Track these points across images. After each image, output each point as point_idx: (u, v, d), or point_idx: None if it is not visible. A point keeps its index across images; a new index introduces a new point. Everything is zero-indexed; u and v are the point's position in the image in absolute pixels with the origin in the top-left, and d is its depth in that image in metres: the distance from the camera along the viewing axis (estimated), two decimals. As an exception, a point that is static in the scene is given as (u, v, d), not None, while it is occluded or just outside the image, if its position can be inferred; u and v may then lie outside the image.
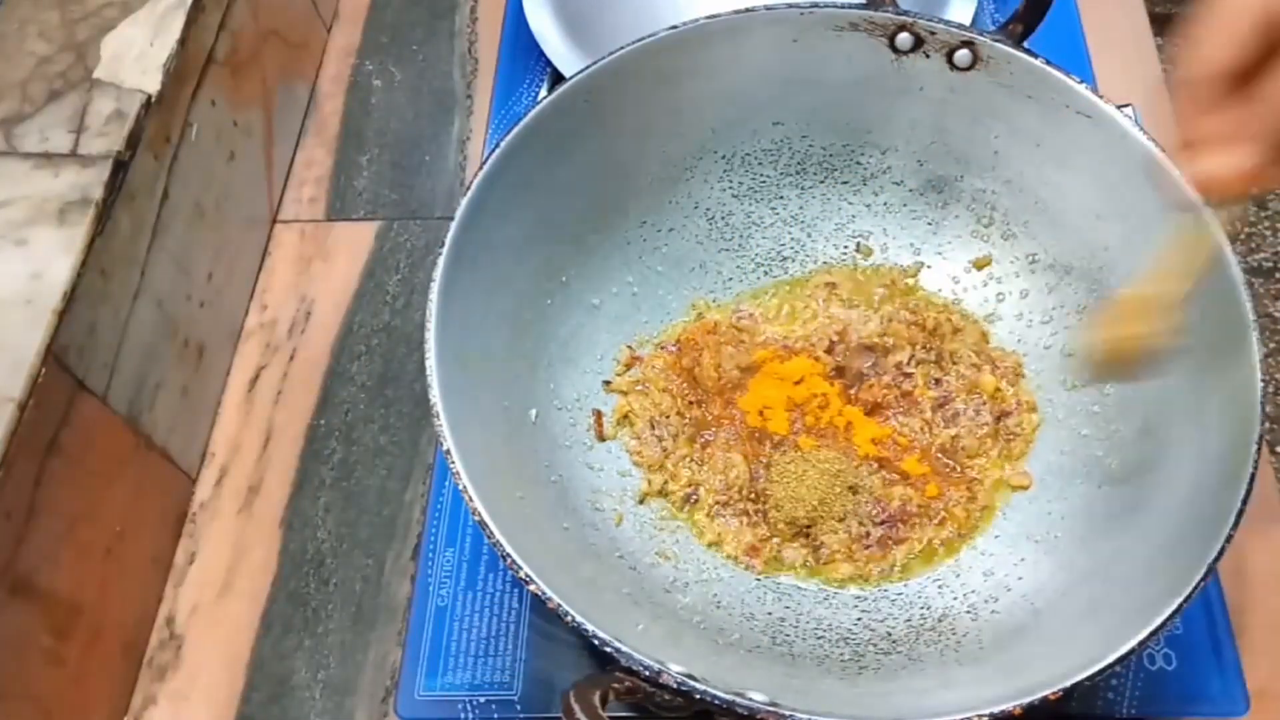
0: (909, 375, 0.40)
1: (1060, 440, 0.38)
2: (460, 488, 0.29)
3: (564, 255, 0.39)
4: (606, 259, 0.41)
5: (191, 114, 0.42)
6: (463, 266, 0.34)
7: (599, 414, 0.40)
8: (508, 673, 0.37)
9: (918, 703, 0.30)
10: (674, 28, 0.37)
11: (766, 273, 0.43)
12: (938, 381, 0.40)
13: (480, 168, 0.35)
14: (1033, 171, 0.39)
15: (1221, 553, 0.28)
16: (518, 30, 0.52)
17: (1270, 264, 1.09)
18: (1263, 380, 0.31)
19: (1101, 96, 0.36)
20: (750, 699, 0.26)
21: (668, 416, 0.40)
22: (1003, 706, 0.26)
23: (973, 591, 0.35)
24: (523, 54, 0.52)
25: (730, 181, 0.42)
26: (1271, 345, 1.04)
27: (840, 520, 0.37)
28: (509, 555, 0.28)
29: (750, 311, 0.42)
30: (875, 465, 0.38)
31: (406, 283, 0.48)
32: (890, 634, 0.34)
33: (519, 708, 0.36)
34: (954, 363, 0.40)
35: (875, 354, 0.41)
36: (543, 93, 0.51)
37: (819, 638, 0.34)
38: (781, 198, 0.43)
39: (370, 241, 0.49)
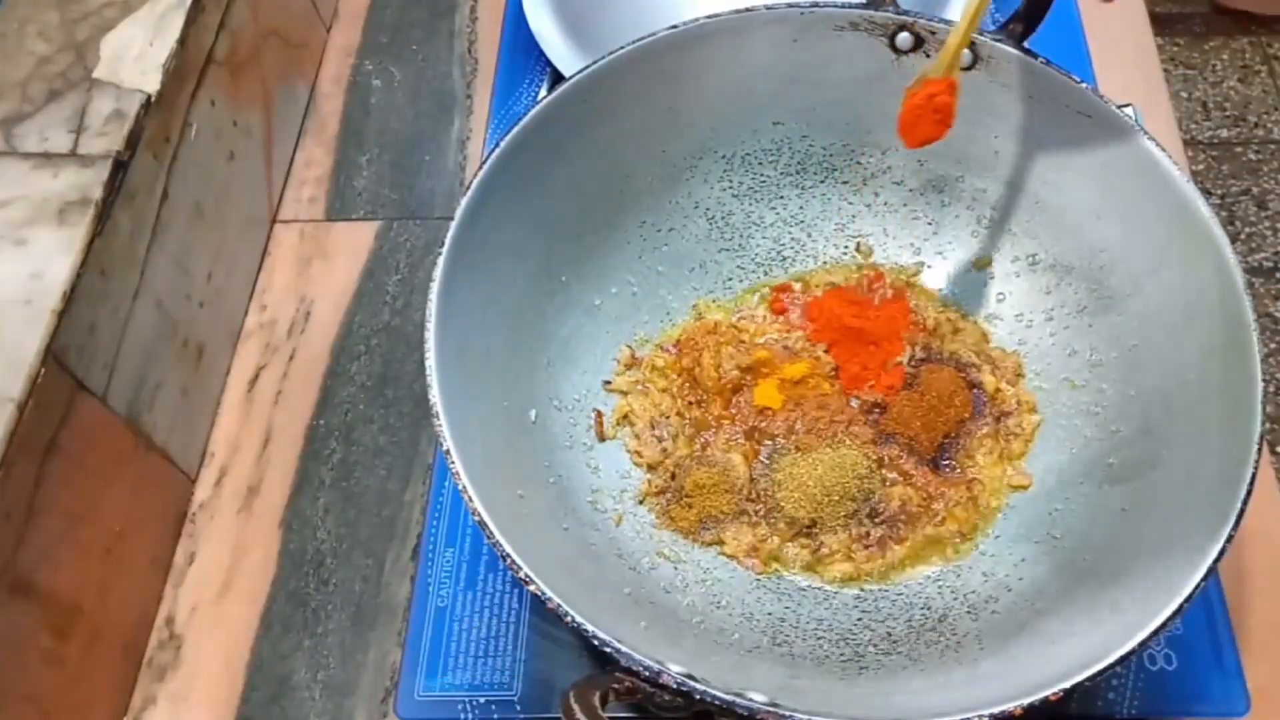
0: (909, 375, 0.40)
1: (1060, 440, 0.38)
2: (460, 488, 0.29)
3: (564, 255, 0.39)
4: (606, 259, 0.41)
5: (191, 114, 0.42)
6: (462, 266, 0.34)
7: (599, 414, 0.40)
8: (507, 673, 0.37)
9: (918, 703, 0.30)
10: (674, 27, 0.37)
11: (767, 273, 0.43)
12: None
13: (480, 168, 0.35)
14: (1033, 171, 0.39)
15: (1222, 553, 0.28)
16: (517, 30, 0.52)
17: (1270, 264, 1.09)
18: (1263, 380, 0.31)
19: (1102, 96, 0.36)
20: (750, 699, 0.26)
21: (668, 417, 0.40)
22: (1003, 707, 0.26)
23: (973, 591, 0.35)
24: (522, 54, 0.52)
25: (730, 181, 0.42)
26: (1272, 345, 1.04)
27: (841, 520, 0.37)
28: (509, 555, 0.28)
29: (750, 311, 0.42)
30: (875, 465, 0.38)
31: (406, 283, 0.48)
32: (890, 634, 0.34)
33: (518, 708, 0.36)
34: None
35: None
36: (542, 92, 0.51)
37: (819, 638, 0.34)
38: (782, 198, 0.43)
39: (370, 241, 0.49)
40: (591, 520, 0.36)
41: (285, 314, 0.47)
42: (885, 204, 0.43)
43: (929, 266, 0.43)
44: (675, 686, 0.26)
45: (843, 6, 0.37)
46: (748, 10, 0.37)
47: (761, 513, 0.38)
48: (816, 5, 0.37)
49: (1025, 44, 0.37)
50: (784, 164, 0.42)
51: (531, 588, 0.28)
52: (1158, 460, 0.34)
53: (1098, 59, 0.51)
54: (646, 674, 0.26)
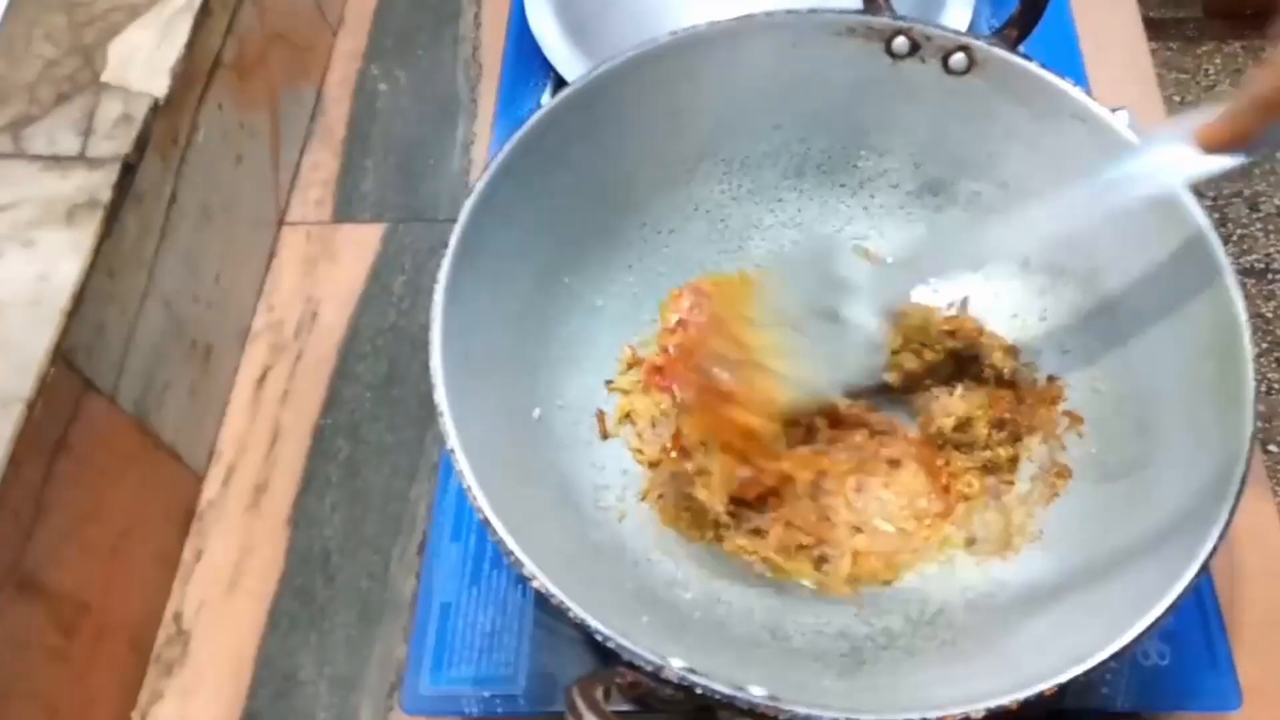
0: None
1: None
2: (464, 486, 0.30)
3: (566, 256, 0.39)
4: (608, 260, 0.41)
5: (199, 117, 0.42)
6: (466, 268, 0.34)
7: (602, 413, 0.40)
8: (511, 667, 0.37)
9: (915, 697, 0.31)
10: (674, 33, 0.38)
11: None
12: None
13: (484, 171, 0.35)
14: (1027, 174, 0.39)
15: (1215, 549, 0.28)
16: (521, 35, 0.53)
17: (1262, 265, 1.10)
18: (1255, 379, 0.31)
19: (1095, 100, 0.36)
20: (750, 693, 0.26)
21: (669, 416, 0.40)
22: (999, 701, 0.26)
23: (969, 587, 0.35)
24: (526, 59, 0.52)
25: (729, 184, 0.43)
26: (1263, 345, 1.04)
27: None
28: (513, 552, 0.28)
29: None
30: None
31: (411, 284, 0.48)
32: (888, 629, 0.35)
33: (522, 702, 0.37)
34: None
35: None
36: (546, 97, 0.51)
37: (818, 633, 0.35)
38: (780, 200, 0.43)
39: (376, 243, 0.49)
40: (594, 517, 0.37)
41: (292, 315, 0.47)
42: (882, 206, 0.43)
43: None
44: (677, 681, 0.26)
45: (840, 12, 0.38)
46: (747, 16, 0.38)
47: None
48: (814, 11, 0.38)
49: (1019, 48, 0.37)
50: (782, 167, 0.43)
51: (535, 584, 0.28)
52: (1151, 458, 0.34)
53: (1091, 63, 0.52)
54: (649, 668, 0.26)
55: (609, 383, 0.41)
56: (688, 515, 0.38)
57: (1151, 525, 0.32)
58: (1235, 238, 1.11)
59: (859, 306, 0.35)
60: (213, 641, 0.40)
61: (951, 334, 0.40)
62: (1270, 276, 1.08)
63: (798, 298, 0.36)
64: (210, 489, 0.43)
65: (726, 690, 0.26)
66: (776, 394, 0.35)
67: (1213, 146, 0.30)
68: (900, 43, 0.38)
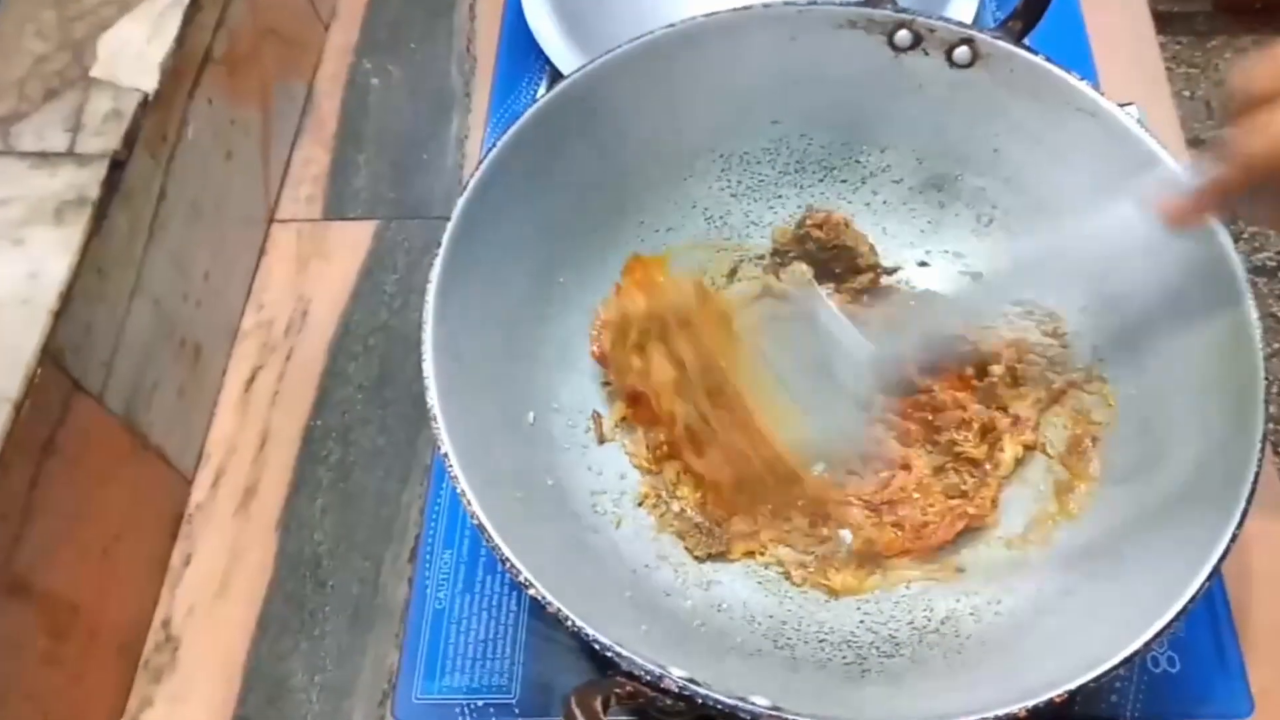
0: None
1: (1062, 440, 0.38)
2: (458, 490, 0.29)
3: (562, 255, 0.39)
4: (604, 259, 0.41)
5: (189, 113, 0.42)
6: (460, 267, 0.33)
7: (598, 416, 0.39)
8: (506, 676, 0.37)
9: (921, 705, 0.30)
10: (672, 26, 0.37)
11: (766, 271, 0.43)
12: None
13: (478, 167, 0.34)
14: (1033, 170, 0.39)
15: (1226, 554, 0.28)
16: (516, 28, 0.52)
17: (1274, 264, 1.09)
18: (1266, 380, 0.31)
19: (1103, 94, 0.35)
20: (753, 703, 0.26)
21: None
22: (1007, 709, 0.26)
23: (975, 593, 0.35)
24: (521, 52, 0.52)
25: (728, 180, 0.42)
26: (1275, 345, 1.04)
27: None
28: (507, 559, 0.28)
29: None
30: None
31: (404, 282, 0.48)
32: (893, 637, 0.34)
33: (517, 711, 0.36)
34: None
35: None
36: (541, 91, 0.51)
37: (821, 641, 0.34)
38: (780, 197, 0.43)
39: (368, 241, 0.49)
40: (591, 523, 0.36)
41: (282, 314, 0.47)
42: (884, 203, 0.42)
43: (928, 265, 0.42)
44: (677, 691, 0.26)
45: (841, 4, 0.37)
46: (745, 8, 0.37)
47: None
48: (814, 3, 0.37)
49: (1025, 41, 0.37)
50: (782, 163, 0.42)
51: (531, 591, 0.27)
52: (1160, 461, 0.33)
53: (1100, 57, 0.51)
54: (648, 678, 0.26)
55: (606, 385, 0.40)
56: (683, 523, 0.37)
57: (1161, 529, 0.32)
58: (1246, 235, 1.10)
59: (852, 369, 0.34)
60: (202, 647, 0.39)
61: (818, 226, 0.40)
62: (1281, 275, 1.07)
63: (794, 358, 0.35)
64: (199, 492, 0.42)
65: (728, 700, 0.25)
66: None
67: (1176, 221, 0.29)
68: (903, 35, 0.37)
